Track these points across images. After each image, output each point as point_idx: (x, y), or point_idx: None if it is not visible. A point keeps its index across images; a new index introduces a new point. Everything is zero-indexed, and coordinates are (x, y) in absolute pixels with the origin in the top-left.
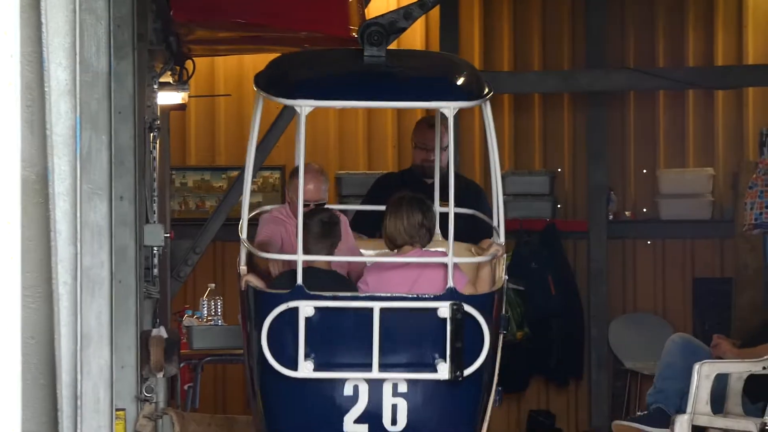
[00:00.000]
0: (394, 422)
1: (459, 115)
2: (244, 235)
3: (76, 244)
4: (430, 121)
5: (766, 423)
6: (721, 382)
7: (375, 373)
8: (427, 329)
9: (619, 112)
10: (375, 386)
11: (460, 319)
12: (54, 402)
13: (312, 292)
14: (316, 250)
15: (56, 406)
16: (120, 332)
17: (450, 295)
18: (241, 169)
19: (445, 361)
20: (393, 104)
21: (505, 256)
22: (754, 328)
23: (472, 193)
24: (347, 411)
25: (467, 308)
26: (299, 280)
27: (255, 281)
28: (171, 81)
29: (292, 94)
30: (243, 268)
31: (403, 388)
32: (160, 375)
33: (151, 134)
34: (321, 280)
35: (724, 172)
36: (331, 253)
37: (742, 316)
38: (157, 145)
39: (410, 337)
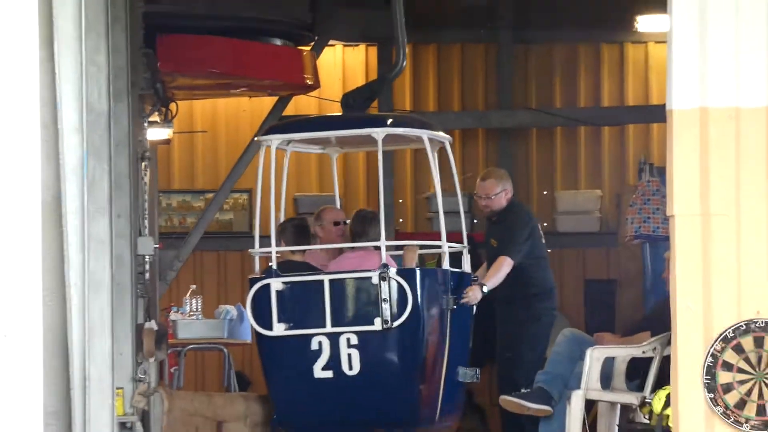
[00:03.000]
0: (350, 368)
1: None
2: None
3: (83, 252)
4: (482, 176)
5: (645, 397)
6: (607, 365)
7: (329, 329)
8: (367, 296)
9: (524, 144)
10: (333, 341)
11: (387, 281)
12: (67, 382)
13: (281, 273)
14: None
15: (69, 385)
16: (118, 325)
17: (382, 267)
18: (215, 192)
19: (379, 316)
20: (337, 133)
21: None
22: (634, 320)
23: (512, 216)
24: (315, 361)
25: (392, 274)
26: (274, 265)
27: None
28: (158, 120)
29: (266, 133)
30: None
31: (354, 341)
32: (152, 360)
33: (143, 163)
34: (295, 266)
35: (609, 193)
36: (302, 251)
37: (625, 311)
38: (148, 173)
39: (356, 302)
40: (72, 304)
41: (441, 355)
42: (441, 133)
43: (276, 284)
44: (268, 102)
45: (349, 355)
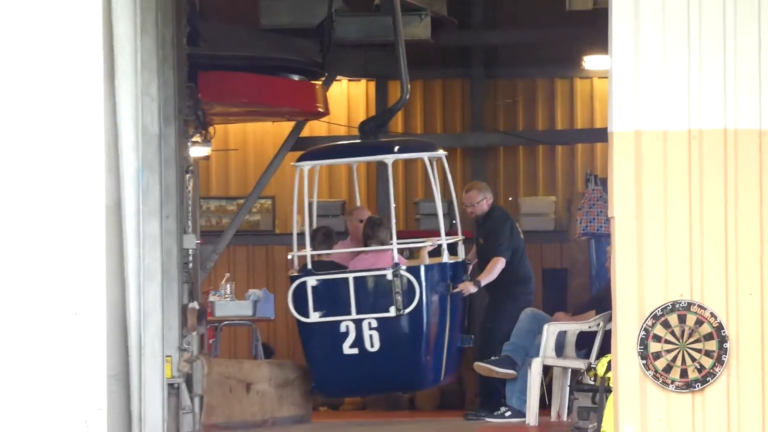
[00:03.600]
0: (372, 345)
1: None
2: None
3: (139, 247)
4: (466, 189)
5: (591, 363)
6: (560, 337)
7: (354, 315)
8: (383, 288)
9: (493, 160)
10: (358, 325)
11: (399, 277)
12: (126, 351)
13: (316, 272)
14: (321, 248)
15: (127, 353)
16: (168, 305)
17: (394, 266)
18: (245, 198)
19: (393, 304)
20: (355, 160)
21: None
22: (582, 301)
23: (493, 219)
24: (344, 341)
25: (402, 272)
26: (308, 266)
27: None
28: (199, 140)
29: (300, 160)
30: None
31: (374, 324)
32: (194, 333)
33: (187, 175)
34: (324, 265)
35: (562, 199)
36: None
37: (575, 294)
38: (191, 182)
39: (374, 294)
40: (130, 288)
41: (442, 331)
42: (439, 152)
43: (311, 281)
44: (287, 126)
45: (371, 336)
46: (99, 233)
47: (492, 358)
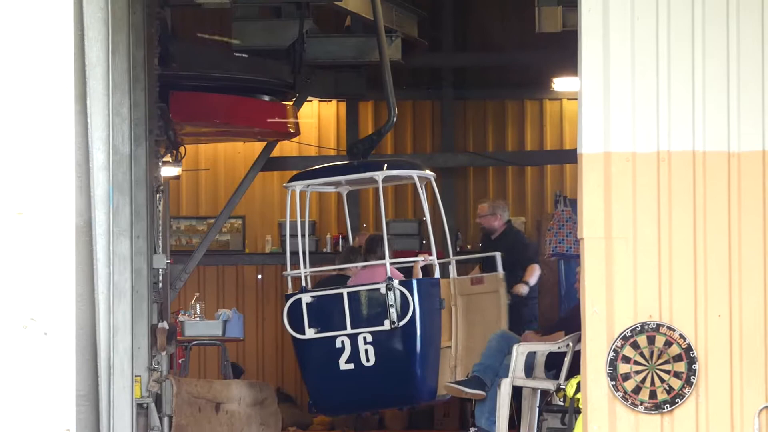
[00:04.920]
0: (368, 360)
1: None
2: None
3: (109, 266)
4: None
5: (560, 384)
6: (530, 358)
7: (349, 330)
8: (377, 302)
9: (463, 180)
10: (353, 339)
11: (392, 291)
12: (95, 370)
13: (310, 289)
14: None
15: (97, 373)
16: (137, 325)
17: (387, 280)
18: (215, 217)
19: (387, 318)
20: (347, 177)
21: (437, 266)
22: (551, 323)
23: (511, 236)
24: (340, 356)
25: (396, 286)
26: (303, 283)
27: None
28: (170, 160)
29: (291, 180)
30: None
31: (369, 339)
32: (164, 353)
33: (158, 195)
34: (334, 279)
35: (531, 220)
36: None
37: (544, 314)
38: (161, 202)
39: (368, 308)
40: (100, 308)
41: (436, 345)
42: (427, 172)
43: (306, 298)
44: (258, 146)
45: (366, 350)
46: (69, 253)
47: (461, 378)
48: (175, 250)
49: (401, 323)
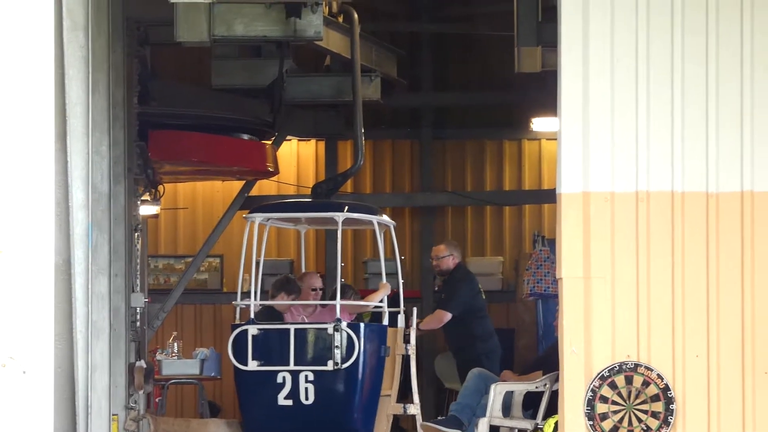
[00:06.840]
0: (307, 398)
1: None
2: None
3: (87, 305)
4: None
5: (537, 424)
6: (508, 397)
7: (291, 366)
8: (323, 342)
9: (441, 220)
10: (294, 376)
11: (339, 332)
12: (73, 409)
13: (258, 321)
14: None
15: (75, 411)
16: (115, 363)
17: (336, 321)
18: (194, 256)
19: (331, 359)
20: (307, 215)
21: (386, 314)
22: (528, 362)
23: (453, 276)
24: (279, 391)
25: (344, 327)
26: (251, 315)
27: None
28: (149, 198)
29: (252, 212)
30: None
31: (311, 377)
32: (141, 392)
33: (136, 233)
34: (274, 314)
35: (509, 259)
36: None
37: (522, 354)
38: (140, 241)
39: (314, 347)
40: (78, 347)
41: (377, 389)
42: (386, 219)
43: (252, 330)
44: (237, 185)
45: (306, 389)
46: (48, 291)
47: (439, 418)
48: (153, 288)
49: (344, 365)
